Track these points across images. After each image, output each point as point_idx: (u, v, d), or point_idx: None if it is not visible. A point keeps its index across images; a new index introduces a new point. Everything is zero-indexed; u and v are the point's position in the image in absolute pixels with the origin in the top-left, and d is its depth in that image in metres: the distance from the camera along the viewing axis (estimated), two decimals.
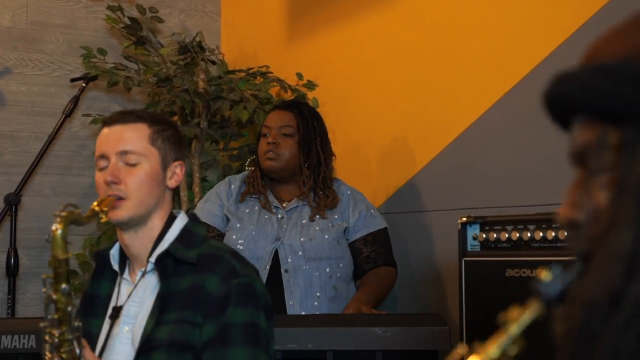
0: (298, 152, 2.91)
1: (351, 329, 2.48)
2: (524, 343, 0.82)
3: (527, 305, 0.82)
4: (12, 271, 3.46)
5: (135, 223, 1.87)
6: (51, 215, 3.81)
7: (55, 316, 1.71)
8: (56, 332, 1.71)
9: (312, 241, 2.82)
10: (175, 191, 1.97)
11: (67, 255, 1.73)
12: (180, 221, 1.90)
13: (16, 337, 2.50)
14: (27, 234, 3.78)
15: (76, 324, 1.72)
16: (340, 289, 2.83)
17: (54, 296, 1.71)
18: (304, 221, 2.87)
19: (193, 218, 1.94)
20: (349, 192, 2.97)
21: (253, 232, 2.84)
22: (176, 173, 1.92)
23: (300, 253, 2.80)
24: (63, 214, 1.74)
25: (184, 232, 1.88)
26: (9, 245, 3.48)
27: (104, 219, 1.79)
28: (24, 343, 2.51)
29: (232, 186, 2.98)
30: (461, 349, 0.87)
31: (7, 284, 3.47)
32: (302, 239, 2.82)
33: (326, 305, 2.78)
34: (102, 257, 1.95)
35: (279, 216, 2.88)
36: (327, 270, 2.82)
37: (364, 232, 2.91)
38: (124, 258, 1.93)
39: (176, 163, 1.92)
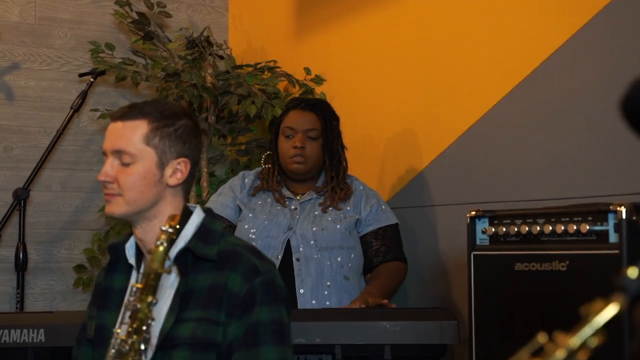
0: (322, 154, 2.95)
1: (359, 323, 2.48)
2: (606, 336, 0.83)
3: (611, 299, 0.82)
4: (21, 266, 3.47)
5: (134, 219, 1.85)
6: (60, 210, 3.84)
7: (134, 325, 1.71)
8: (128, 340, 1.71)
9: (324, 231, 2.85)
10: (188, 186, 1.91)
11: (163, 271, 1.73)
12: (197, 217, 1.88)
13: (25, 331, 2.50)
14: (36, 229, 3.79)
15: (147, 336, 1.72)
16: (351, 279, 2.84)
17: (139, 305, 1.72)
18: (316, 212, 2.90)
19: (209, 213, 1.91)
20: (361, 188, 3.00)
21: (265, 222, 2.87)
22: (179, 170, 1.86)
23: (312, 242, 2.83)
24: (169, 230, 1.73)
25: (202, 228, 1.86)
26: (18, 240, 3.49)
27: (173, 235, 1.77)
28: (32, 337, 2.51)
29: (246, 180, 3.01)
30: (541, 338, 0.88)
31: (15, 279, 3.48)
32: (314, 229, 2.85)
33: (336, 295, 2.80)
34: (116, 250, 1.94)
35: (292, 207, 2.92)
36: (339, 259, 2.84)
37: (375, 226, 2.94)
38: (139, 253, 1.91)
39: (179, 160, 1.86)
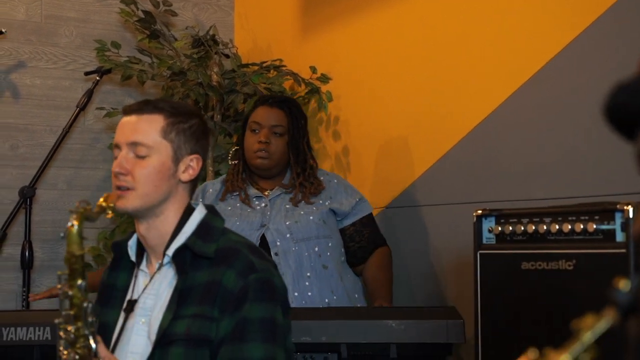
0: (287, 151, 2.95)
1: (365, 321, 2.48)
2: (598, 352, 0.81)
3: (602, 314, 0.81)
4: (27, 264, 3.47)
5: (143, 214, 1.85)
6: (65, 209, 3.84)
7: (71, 312, 1.69)
8: (72, 328, 1.69)
9: (298, 223, 2.87)
10: (194, 185, 1.92)
11: (82, 252, 1.71)
12: (199, 214, 1.88)
13: (31, 329, 2.51)
14: (42, 227, 3.80)
15: (90, 319, 1.70)
16: (330, 267, 2.86)
17: (70, 292, 1.69)
18: (287, 206, 2.91)
19: (211, 211, 1.92)
20: (336, 181, 3.02)
21: (237, 223, 2.87)
22: (191, 167, 1.87)
23: (288, 235, 2.84)
24: (79, 210, 1.71)
25: (202, 225, 1.86)
26: (24, 238, 3.49)
27: (109, 215, 1.77)
28: (39, 335, 2.52)
29: (210, 190, 3.00)
30: (532, 354, 0.87)
31: (21, 277, 3.48)
32: (287, 222, 2.87)
33: (317, 284, 2.81)
34: (119, 248, 1.94)
35: (263, 204, 2.92)
36: (316, 249, 2.86)
37: (360, 215, 2.98)
38: (141, 249, 1.91)
39: (192, 157, 1.87)
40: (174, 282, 1.82)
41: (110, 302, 1.91)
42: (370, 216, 3.01)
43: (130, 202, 1.82)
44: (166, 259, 1.84)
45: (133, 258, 1.91)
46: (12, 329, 2.51)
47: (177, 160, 1.86)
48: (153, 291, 1.85)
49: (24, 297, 3.43)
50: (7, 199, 3.69)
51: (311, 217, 2.88)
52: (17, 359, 2.52)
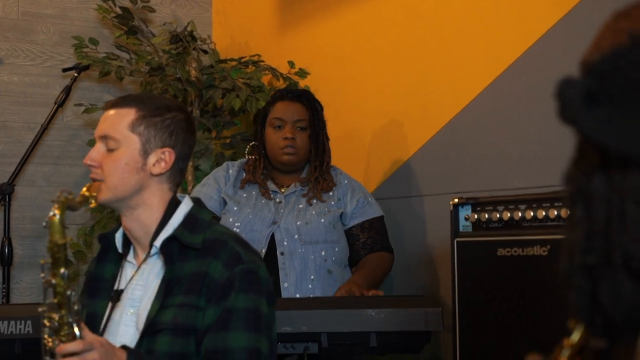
0: (310, 144, 2.95)
1: (345, 311, 2.51)
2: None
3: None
4: (7, 261, 3.47)
5: (119, 207, 1.88)
6: (45, 205, 3.84)
7: (55, 300, 1.72)
8: (56, 316, 1.71)
9: (308, 225, 2.86)
10: (175, 178, 1.92)
11: (65, 240, 1.73)
12: (185, 206, 1.91)
13: (12, 322, 2.51)
14: (21, 224, 3.79)
15: (75, 307, 1.72)
16: (335, 272, 2.86)
17: (53, 280, 1.72)
18: (300, 206, 2.91)
19: (198, 203, 1.94)
20: (346, 182, 3.01)
21: (250, 216, 2.87)
22: (163, 160, 1.88)
23: (296, 236, 2.84)
24: (60, 199, 1.74)
25: (189, 217, 1.89)
26: (3, 235, 3.49)
27: (93, 204, 1.81)
28: (20, 329, 2.52)
29: (230, 171, 3.01)
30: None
31: (1, 274, 3.48)
32: (298, 223, 2.86)
33: (320, 288, 2.81)
34: (107, 240, 1.96)
35: (277, 200, 2.92)
36: (323, 253, 2.85)
37: (361, 219, 2.95)
38: (128, 241, 1.94)
39: (163, 150, 1.88)
40: (162, 273, 1.85)
41: (97, 293, 1.93)
42: (373, 221, 2.96)
43: (101, 194, 1.86)
44: (154, 250, 1.87)
45: (120, 250, 1.93)
46: None
47: (145, 153, 1.87)
48: (141, 282, 1.88)
49: (3, 293, 3.43)
50: None
51: (322, 220, 2.87)
52: None
